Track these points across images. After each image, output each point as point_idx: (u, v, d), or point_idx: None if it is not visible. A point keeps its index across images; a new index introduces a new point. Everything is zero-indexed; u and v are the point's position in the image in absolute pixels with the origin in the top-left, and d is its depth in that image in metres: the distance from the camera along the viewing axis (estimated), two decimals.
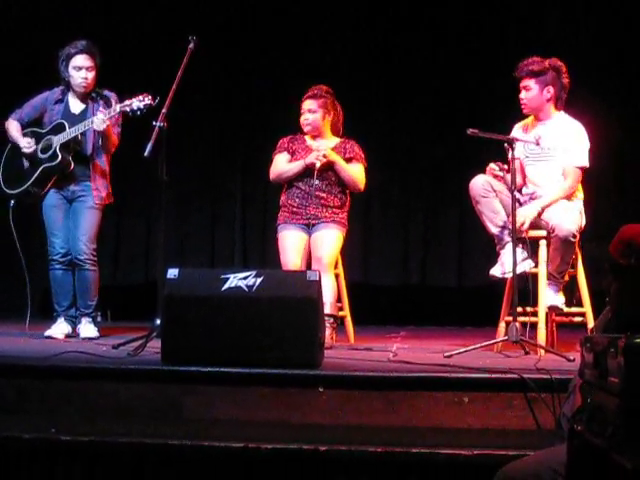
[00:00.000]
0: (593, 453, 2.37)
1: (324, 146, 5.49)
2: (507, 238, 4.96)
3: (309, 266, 5.36)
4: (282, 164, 5.53)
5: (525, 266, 4.90)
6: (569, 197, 5.02)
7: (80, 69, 5.55)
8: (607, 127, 6.14)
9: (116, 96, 5.59)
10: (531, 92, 5.03)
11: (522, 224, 4.80)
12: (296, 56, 7.51)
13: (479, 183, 5.04)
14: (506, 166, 4.96)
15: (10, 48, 7.47)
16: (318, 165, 5.34)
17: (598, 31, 7.14)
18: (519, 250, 4.83)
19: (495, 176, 5.00)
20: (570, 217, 4.84)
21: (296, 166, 5.45)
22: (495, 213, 5.01)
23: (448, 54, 7.42)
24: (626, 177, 7.14)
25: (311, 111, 5.51)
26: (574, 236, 4.79)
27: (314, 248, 5.34)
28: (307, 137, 5.60)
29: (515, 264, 4.69)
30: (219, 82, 7.66)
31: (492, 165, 5.01)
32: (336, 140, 5.60)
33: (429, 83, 7.51)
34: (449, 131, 7.24)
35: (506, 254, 4.93)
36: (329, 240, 5.35)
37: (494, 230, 5.04)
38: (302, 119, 5.52)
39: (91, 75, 5.57)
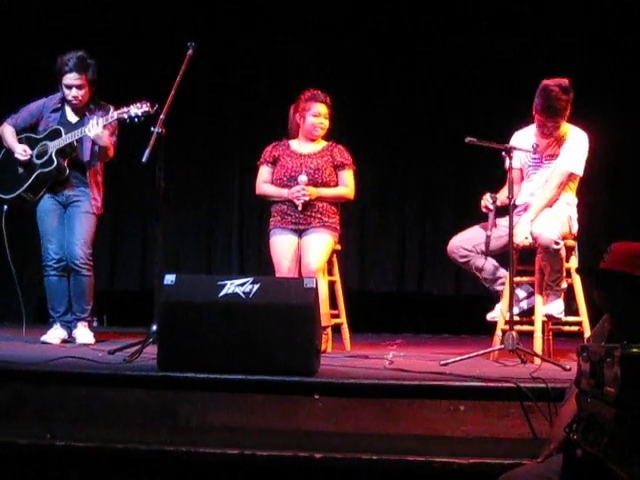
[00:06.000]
0: (589, 462, 2.38)
1: (310, 150, 5.57)
2: (499, 288, 5.04)
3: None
4: (266, 186, 5.60)
5: (525, 305, 4.97)
6: (552, 203, 5.03)
7: (70, 87, 5.51)
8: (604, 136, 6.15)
9: (114, 109, 5.55)
10: (560, 125, 4.99)
11: (521, 241, 4.86)
12: (297, 63, 7.53)
13: (453, 247, 5.11)
14: (498, 201, 4.94)
15: (6, 53, 7.47)
16: (300, 208, 5.40)
17: (596, 38, 7.18)
18: (519, 290, 4.99)
19: (486, 207, 4.98)
20: (551, 225, 4.84)
21: (279, 195, 5.52)
22: (479, 271, 5.11)
23: (447, 60, 7.41)
24: (620, 187, 7.14)
25: (325, 116, 5.58)
26: (556, 243, 4.78)
27: (303, 253, 5.36)
28: (291, 142, 5.65)
29: (512, 275, 4.71)
30: (216, 88, 7.66)
31: (487, 196, 5.00)
32: (323, 144, 5.64)
33: (426, 90, 7.52)
34: (446, 138, 7.26)
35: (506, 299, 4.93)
36: (318, 246, 5.37)
37: (485, 284, 5.15)
38: (315, 121, 5.55)
39: (81, 92, 5.53)
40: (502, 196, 4.96)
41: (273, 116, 6.54)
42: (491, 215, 4.93)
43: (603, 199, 6.78)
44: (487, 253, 5.03)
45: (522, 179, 5.20)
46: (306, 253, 5.34)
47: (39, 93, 5.81)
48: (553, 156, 5.05)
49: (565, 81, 4.99)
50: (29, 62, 7.30)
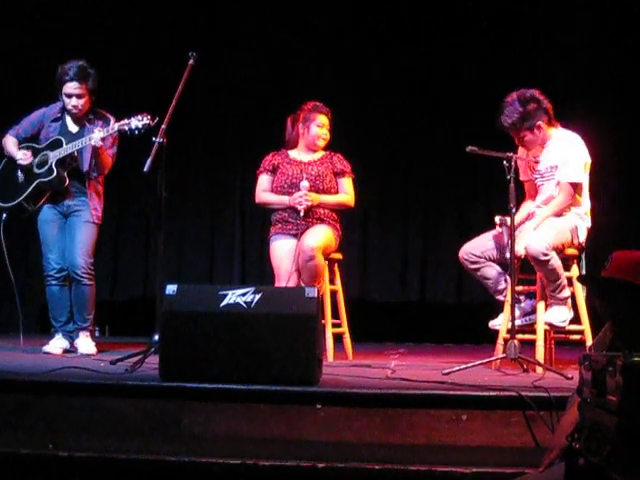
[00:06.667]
0: (591, 471, 2.37)
1: (309, 158, 5.59)
2: (504, 298, 5.02)
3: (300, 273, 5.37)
4: (266, 194, 5.61)
5: (529, 319, 4.97)
6: (558, 214, 5.02)
7: (70, 97, 5.52)
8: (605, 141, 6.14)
9: (115, 119, 5.56)
10: (528, 137, 5.03)
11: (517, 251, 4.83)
12: (297, 63, 7.54)
13: (464, 253, 5.10)
14: (507, 220, 4.89)
15: (8, 64, 7.49)
16: (302, 214, 5.41)
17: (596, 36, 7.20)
18: (527, 302, 5.00)
19: (499, 227, 4.97)
20: (539, 236, 4.82)
21: (281, 202, 5.53)
22: (486, 279, 5.10)
23: (447, 60, 7.42)
24: (623, 192, 7.13)
25: (327, 128, 5.62)
26: (544, 254, 4.75)
27: (302, 240, 5.34)
28: (290, 151, 5.66)
29: (514, 284, 4.71)
30: (218, 97, 7.67)
31: (496, 219, 4.99)
32: (322, 152, 5.66)
33: (426, 90, 7.52)
34: (447, 147, 7.26)
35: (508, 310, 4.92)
36: (318, 231, 5.38)
37: (491, 292, 5.13)
38: (320, 132, 5.58)
39: (81, 101, 5.54)
40: (519, 216, 4.94)
41: (274, 120, 6.55)
42: (505, 234, 4.91)
43: (607, 206, 6.77)
44: (503, 263, 5.03)
45: (536, 192, 5.19)
46: (306, 237, 5.34)
47: (39, 94, 5.83)
48: (554, 167, 5.05)
49: (528, 92, 5.00)
50: (29, 62, 7.31)
